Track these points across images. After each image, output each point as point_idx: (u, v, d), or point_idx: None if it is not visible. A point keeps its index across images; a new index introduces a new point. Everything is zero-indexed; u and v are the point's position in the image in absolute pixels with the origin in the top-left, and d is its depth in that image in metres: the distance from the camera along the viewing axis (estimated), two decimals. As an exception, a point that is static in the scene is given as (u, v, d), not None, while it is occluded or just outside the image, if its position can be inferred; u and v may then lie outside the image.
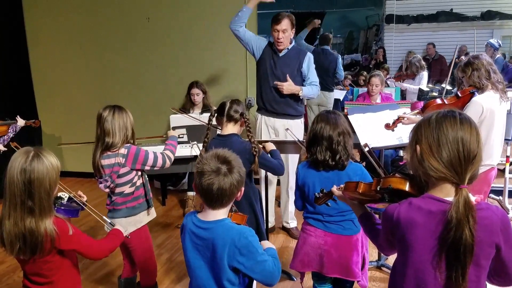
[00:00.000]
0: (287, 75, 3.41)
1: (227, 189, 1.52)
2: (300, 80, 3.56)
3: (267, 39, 3.65)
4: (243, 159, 2.39)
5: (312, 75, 3.59)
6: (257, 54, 3.60)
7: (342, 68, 5.87)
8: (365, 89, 4.60)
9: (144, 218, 2.48)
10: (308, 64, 3.56)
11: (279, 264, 1.60)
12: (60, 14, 5.33)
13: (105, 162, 2.32)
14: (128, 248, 2.49)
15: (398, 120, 2.90)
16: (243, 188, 1.62)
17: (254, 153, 2.41)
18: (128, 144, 2.36)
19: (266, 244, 1.68)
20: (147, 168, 2.41)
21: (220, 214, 1.58)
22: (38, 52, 5.54)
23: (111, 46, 5.28)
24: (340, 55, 5.90)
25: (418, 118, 2.85)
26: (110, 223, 2.17)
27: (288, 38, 3.47)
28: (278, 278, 1.59)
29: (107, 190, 2.41)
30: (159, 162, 2.42)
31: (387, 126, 2.97)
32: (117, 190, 2.38)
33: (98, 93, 5.36)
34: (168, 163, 2.47)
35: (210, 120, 2.54)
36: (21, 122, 3.67)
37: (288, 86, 3.42)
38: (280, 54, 3.53)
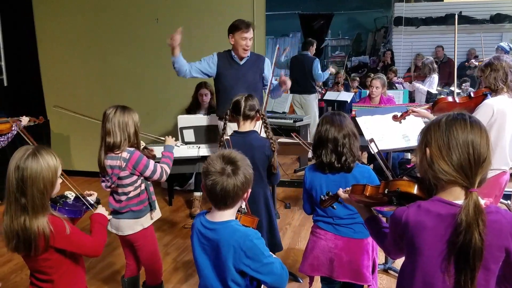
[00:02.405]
0: (287, 77, 3.46)
1: (230, 190, 1.51)
2: (262, 85, 3.62)
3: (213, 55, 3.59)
4: (262, 155, 2.43)
5: (271, 79, 3.60)
6: (213, 71, 3.56)
7: (320, 72, 6.01)
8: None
9: (148, 220, 2.47)
10: (268, 68, 3.60)
11: (286, 268, 1.59)
12: (70, 14, 5.37)
13: (108, 162, 2.33)
14: (133, 247, 2.50)
15: (407, 112, 2.90)
16: (249, 190, 1.61)
17: (273, 149, 2.43)
18: (132, 149, 2.34)
19: None
20: (142, 177, 2.40)
21: (227, 215, 1.58)
22: (48, 53, 5.59)
23: (120, 47, 5.31)
24: (317, 59, 6.01)
25: (427, 113, 2.85)
26: (92, 204, 2.05)
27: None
28: (287, 281, 1.58)
29: (108, 189, 2.43)
30: (156, 175, 2.40)
31: (395, 117, 2.98)
32: (120, 190, 2.38)
33: (107, 93, 5.39)
34: (164, 178, 2.45)
35: (225, 119, 2.55)
36: (24, 120, 3.69)
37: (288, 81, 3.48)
38: (241, 63, 3.53)
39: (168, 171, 2.47)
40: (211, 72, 3.57)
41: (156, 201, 2.50)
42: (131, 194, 2.38)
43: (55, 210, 1.77)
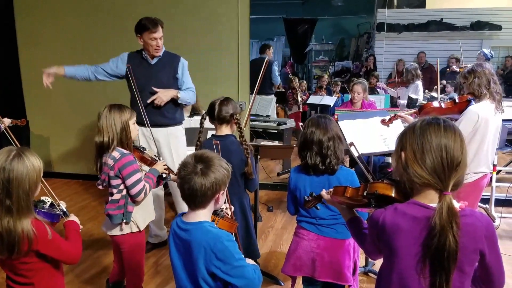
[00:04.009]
0: (152, 87, 3.21)
1: (197, 189, 1.50)
2: (177, 87, 3.38)
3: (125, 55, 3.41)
4: (239, 160, 2.41)
5: (187, 81, 3.41)
6: (121, 71, 3.37)
7: (277, 74, 6.29)
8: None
9: (134, 228, 2.39)
10: (183, 70, 3.39)
11: (260, 274, 1.58)
12: (51, 15, 5.28)
13: (104, 160, 2.33)
14: (119, 249, 2.46)
15: (395, 117, 2.99)
16: (222, 192, 1.59)
17: (247, 155, 2.41)
18: (127, 152, 2.32)
19: (247, 261, 1.63)
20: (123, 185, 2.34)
21: (200, 215, 1.57)
22: (28, 54, 5.49)
23: (103, 48, 5.25)
24: (275, 62, 6.18)
25: (412, 119, 2.93)
26: (65, 212, 1.96)
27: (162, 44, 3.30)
28: (259, 286, 1.57)
29: (100, 187, 2.43)
30: (136, 189, 2.30)
31: (383, 121, 3.05)
32: (109, 190, 2.37)
33: (88, 95, 5.32)
34: (141, 197, 2.34)
35: (201, 123, 2.54)
36: (6, 121, 3.64)
37: (162, 94, 3.18)
38: (152, 62, 3.33)
39: (148, 191, 2.39)
40: (120, 72, 3.36)
41: (131, 214, 2.36)
42: (114, 197, 2.35)
43: (34, 212, 1.74)
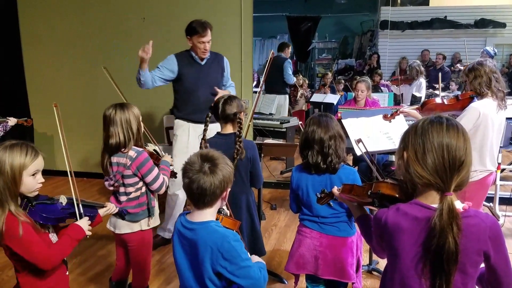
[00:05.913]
0: (215, 88, 3.38)
1: (207, 188, 1.50)
2: (222, 84, 3.58)
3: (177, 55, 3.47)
4: (244, 158, 2.41)
5: (229, 78, 3.67)
6: (175, 75, 3.46)
7: (290, 73, 6.12)
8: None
9: (144, 225, 2.42)
10: (227, 67, 3.62)
11: (266, 274, 1.58)
12: (55, 14, 5.31)
13: (115, 160, 2.31)
14: (127, 246, 2.46)
15: (397, 112, 3.00)
16: (228, 189, 1.60)
17: (235, 155, 2.36)
18: (141, 149, 2.33)
19: (254, 258, 1.64)
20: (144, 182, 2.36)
21: (206, 215, 1.57)
22: (32, 52, 5.51)
23: (106, 47, 5.26)
24: (289, 60, 6.11)
25: (415, 113, 2.96)
26: (81, 214, 1.89)
27: None
28: (264, 286, 1.57)
29: (111, 188, 2.40)
30: (157, 183, 2.35)
31: (385, 116, 3.05)
32: (122, 189, 2.36)
33: (91, 93, 5.34)
34: (163, 189, 2.39)
35: (206, 121, 2.54)
36: (12, 121, 3.65)
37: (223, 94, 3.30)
38: (203, 63, 3.47)
39: (167, 183, 2.43)
40: (173, 76, 3.46)
41: (155, 208, 2.43)
42: (131, 196, 2.35)
43: (25, 210, 1.71)
